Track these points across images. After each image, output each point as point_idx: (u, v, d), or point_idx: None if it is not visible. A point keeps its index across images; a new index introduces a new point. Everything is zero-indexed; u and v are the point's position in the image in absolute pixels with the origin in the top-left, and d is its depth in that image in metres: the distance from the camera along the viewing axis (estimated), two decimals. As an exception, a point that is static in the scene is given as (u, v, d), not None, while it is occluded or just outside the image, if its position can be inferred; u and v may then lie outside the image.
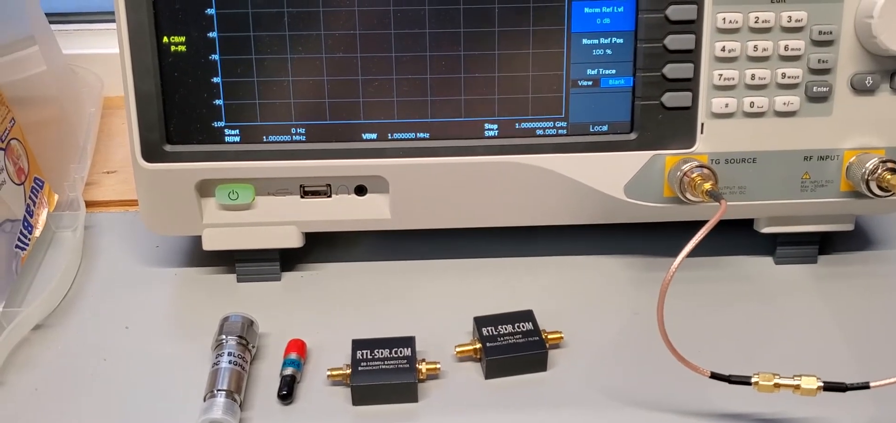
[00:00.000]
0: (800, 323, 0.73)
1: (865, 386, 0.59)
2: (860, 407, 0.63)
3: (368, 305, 0.76)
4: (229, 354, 0.65)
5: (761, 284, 0.78)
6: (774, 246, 0.79)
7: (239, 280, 0.78)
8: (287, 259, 0.80)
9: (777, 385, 0.60)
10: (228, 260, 0.79)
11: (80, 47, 1.09)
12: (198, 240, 0.77)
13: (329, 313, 0.75)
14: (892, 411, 0.63)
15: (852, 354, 0.69)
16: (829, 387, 0.60)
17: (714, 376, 0.61)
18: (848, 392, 0.60)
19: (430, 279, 0.79)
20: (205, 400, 0.63)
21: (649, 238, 0.81)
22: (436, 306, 0.75)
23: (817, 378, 0.60)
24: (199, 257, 0.80)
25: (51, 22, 0.95)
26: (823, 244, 0.80)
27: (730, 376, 0.61)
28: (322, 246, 0.82)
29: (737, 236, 0.81)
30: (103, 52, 1.06)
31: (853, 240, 0.82)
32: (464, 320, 0.71)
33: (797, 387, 0.60)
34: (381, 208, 0.75)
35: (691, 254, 0.60)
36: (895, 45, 0.68)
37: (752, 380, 0.60)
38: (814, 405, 0.62)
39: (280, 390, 0.65)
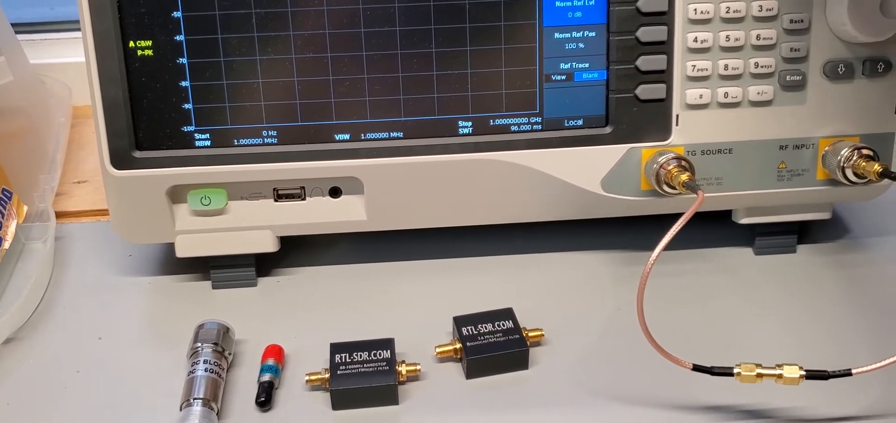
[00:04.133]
0: (780, 313, 0.73)
1: (847, 373, 0.59)
2: (842, 394, 0.63)
3: (346, 308, 0.75)
4: (205, 362, 0.65)
5: (741, 275, 0.77)
6: (753, 237, 0.79)
7: (214, 287, 0.77)
8: (262, 264, 0.79)
9: (759, 375, 0.60)
10: (203, 267, 0.78)
11: (47, 57, 1.09)
12: (171, 247, 0.76)
13: (306, 317, 0.74)
14: (873, 397, 0.63)
15: (834, 342, 0.69)
16: (812, 375, 0.60)
17: (696, 368, 0.60)
18: (830, 380, 0.60)
19: (408, 280, 0.78)
20: (181, 409, 0.62)
21: (628, 233, 0.81)
22: (414, 307, 0.75)
23: (799, 367, 0.60)
24: (172, 264, 0.79)
25: (17, 32, 0.94)
26: (802, 234, 0.80)
27: (712, 367, 0.60)
28: (297, 250, 0.81)
29: (715, 228, 0.81)
30: (71, 61, 1.04)
31: (831, 229, 0.82)
32: (443, 321, 0.71)
33: (779, 377, 0.60)
34: (357, 210, 0.75)
35: (671, 247, 0.59)
36: (867, 33, 0.68)
37: (735, 371, 0.60)
38: (796, 393, 0.62)
39: (258, 397, 0.65)
